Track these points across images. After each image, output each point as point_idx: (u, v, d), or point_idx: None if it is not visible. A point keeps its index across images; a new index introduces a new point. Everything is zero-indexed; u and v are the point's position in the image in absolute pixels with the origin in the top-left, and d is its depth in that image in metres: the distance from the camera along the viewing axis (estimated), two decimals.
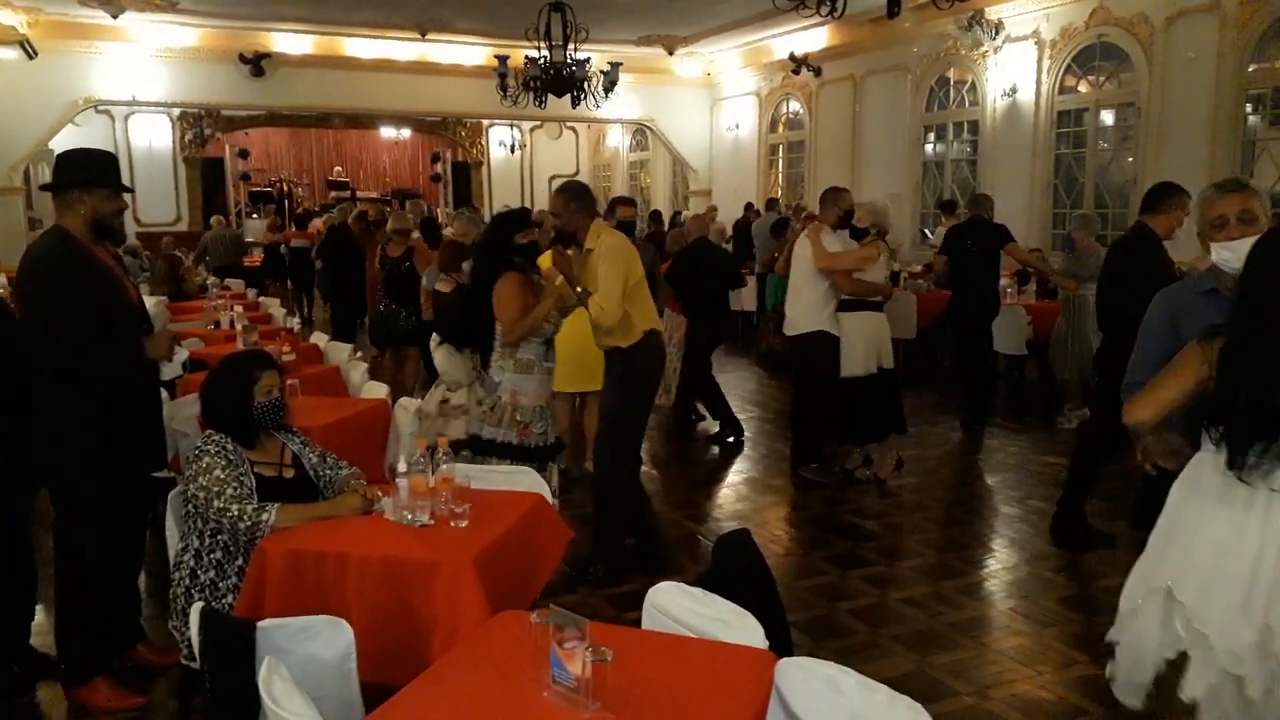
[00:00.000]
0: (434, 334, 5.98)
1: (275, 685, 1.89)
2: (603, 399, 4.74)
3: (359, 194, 18.98)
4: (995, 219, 7.75)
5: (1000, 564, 4.85)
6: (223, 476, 2.91)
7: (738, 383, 9.61)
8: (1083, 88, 10.91)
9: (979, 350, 7.81)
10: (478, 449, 4.28)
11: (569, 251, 4.37)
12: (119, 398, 3.31)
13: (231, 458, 2.98)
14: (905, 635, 4.02)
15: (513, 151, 20.22)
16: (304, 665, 2.14)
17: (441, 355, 5.85)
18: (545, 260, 5.49)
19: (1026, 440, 7.25)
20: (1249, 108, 9.29)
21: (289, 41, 14.21)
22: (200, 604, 2.21)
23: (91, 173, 3.38)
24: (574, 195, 4.47)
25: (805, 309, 5.96)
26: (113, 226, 3.46)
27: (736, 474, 6.54)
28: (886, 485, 6.06)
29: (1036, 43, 10.99)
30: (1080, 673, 3.66)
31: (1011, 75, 11.32)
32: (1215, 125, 9.20)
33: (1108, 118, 10.76)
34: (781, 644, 2.44)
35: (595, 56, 11.58)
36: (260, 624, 2.16)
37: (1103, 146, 10.81)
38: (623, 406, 4.52)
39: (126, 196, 3.57)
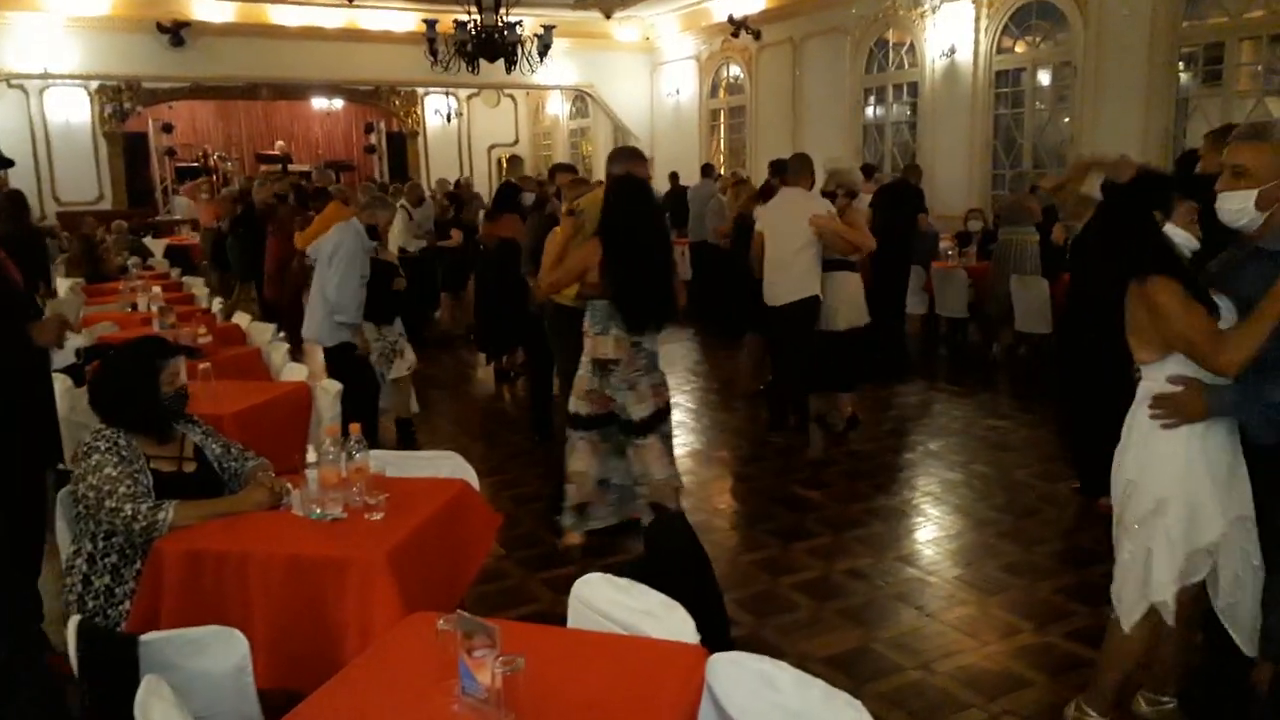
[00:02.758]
0: None
1: (154, 708, 1.71)
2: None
3: (290, 168, 18.39)
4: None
5: (944, 531, 4.79)
6: (115, 474, 2.68)
7: (681, 354, 9.50)
8: (1020, 48, 10.88)
9: (900, 298, 8.37)
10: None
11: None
12: (3, 387, 3.06)
13: (125, 453, 2.76)
14: (849, 609, 3.93)
15: (449, 121, 19.75)
16: (194, 682, 1.96)
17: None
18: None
19: (970, 404, 7.23)
20: (1181, 65, 9.31)
21: (210, 9, 13.64)
22: (77, 617, 2.01)
23: None
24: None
25: (800, 276, 5.98)
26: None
27: (680, 446, 6.38)
28: (829, 453, 6.00)
29: (974, 2, 10.92)
30: (1024, 641, 3.61)
31: (949, 36, 11.25)
32: (1149, 84, 9.21)
33: (1044, 78, 10.75)
34: (717, 635, 2.32)
35: (529, 20, 11.26)
36: (143, 638, 1.97)
37: (1040, 106, 10.80)
38: None
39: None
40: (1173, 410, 2.55)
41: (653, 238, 4.29)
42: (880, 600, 4.01)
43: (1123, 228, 2.68)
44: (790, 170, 6.28)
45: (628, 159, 4.65)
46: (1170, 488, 2.58)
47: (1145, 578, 2.63)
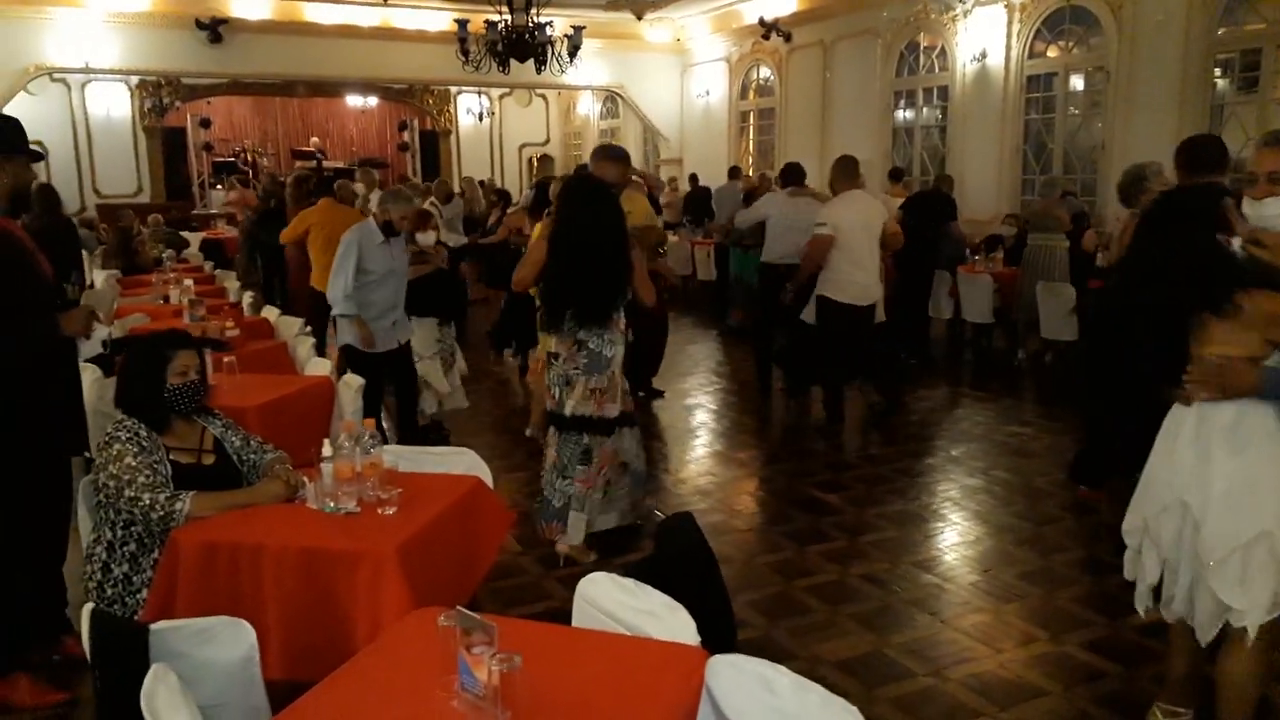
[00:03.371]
0: None
1: (159, 696, 1.74)
2: None
3: (325, 164, 18.57)
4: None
5: (961, 537, 4.76)
6: (134, 464, 2.74)
7: (705, 354, 9.49)
8: (1052, 52, 10.76)
9: (925, 303, 8.84)
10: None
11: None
12: (31, 377, 3.12)
13: (144, 444, 2.81)
14: (863, 613, 3.92)
15: (481, 120, 19.87)
16: (202, 671, 2.00)
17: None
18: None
19: (993, 410, 7.17)
20: (1217, 72, 9.18)
21: (247, 6, 13.80)
22: (90, 606, 2.05)
23: (10, 139, 3.19)
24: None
25: (878, 275, 6.46)
26: (29, 196, 3.31)
27: (701, 447, 6.42)
28: (849, 457, 6.00)
29: (1006, 6, 10.82)
30: (1041, 650, 3.58)
31: (981, 40, 11.16)
32: (1184, 90, 9.09)
33: (1077, 83, 10.63)
34: (722, 636, 2.32)
35: (560, 21, 11.30)
36: (154, 627, 2.01)
37: (1072, 112, 10.68)
38: None
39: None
40: (1214, 377, 2.42)
41: (585, 236, 4.10)
42: (894, 605, 3.99)
43: (1203, 248, 2.54)
44: (848, 174, 6.49)
45: (597, 158, 4.71)
46: (1270, 520, 2.44)
47: (1249, 599, 2.49)
